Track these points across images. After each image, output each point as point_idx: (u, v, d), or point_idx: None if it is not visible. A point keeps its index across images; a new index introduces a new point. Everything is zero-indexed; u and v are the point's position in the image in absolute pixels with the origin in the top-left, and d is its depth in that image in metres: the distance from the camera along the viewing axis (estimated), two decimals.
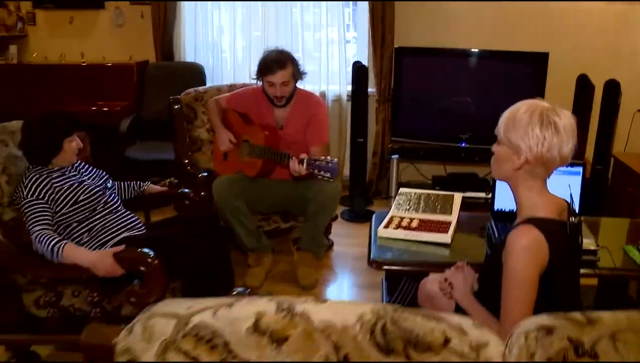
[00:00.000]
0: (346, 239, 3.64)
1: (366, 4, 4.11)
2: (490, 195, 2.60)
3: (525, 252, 1.43)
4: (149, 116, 4.39)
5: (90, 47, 4.67)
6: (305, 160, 2.58)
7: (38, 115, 2.41)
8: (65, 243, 2.12)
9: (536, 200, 1.53)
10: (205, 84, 4.29)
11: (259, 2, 4.32)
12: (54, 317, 2.23)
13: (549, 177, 1.57)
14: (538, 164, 1.51)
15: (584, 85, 3.47)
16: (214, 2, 4.39)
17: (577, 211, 1.56)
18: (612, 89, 3.13)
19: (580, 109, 3.48)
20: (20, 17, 4.76)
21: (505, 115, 1.57)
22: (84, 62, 4.60)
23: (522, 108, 1.53)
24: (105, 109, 4.30)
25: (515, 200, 1.59)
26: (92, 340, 0.94)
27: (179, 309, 0.91)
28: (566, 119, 1.51)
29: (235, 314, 0.86)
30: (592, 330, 0.81)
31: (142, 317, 0.92)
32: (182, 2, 4.39)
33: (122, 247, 2.18)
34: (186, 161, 3.38)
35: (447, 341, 0.80)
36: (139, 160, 4.03)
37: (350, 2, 4.35)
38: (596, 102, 3.35)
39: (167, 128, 4.14)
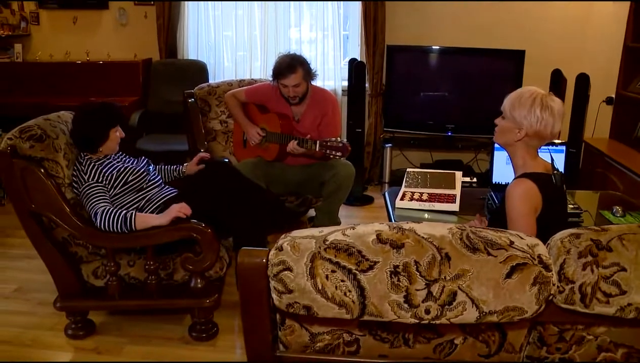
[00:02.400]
0: (348, 220, 3.99)
1: (358, 5, 4.47)
2: (474, 179, 3.14)
3: (522, 196, 1.85)
4: (156, 110, 4.66)
5: (94, 46, 4.89)
6: (317, 142, 2.95)
7: (88, 107, 2.68)
8: (134, 212, 2.42)
9: (529, 162, 1.96)
10: (208, 81, 4.59)
11: (258, 2, 4.63)
12: (112, 284, 2.52)
13: (539, 148, 1.99)
14: (534, 137, 1.94)
15: (557, 78, 3.92)
16: (215, 2, 4.68)
17: (557, 168, 1.98)
18: (583, 81, 3.58)
19: (562, 106, 3.93)
20: (23, 16, 4.95)
21: (512, 95, 1.98)
22: (89, 59, 4.82)
23: (526, 92, 1.95)
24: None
25: (512, 164, 2.02)
26: (247, 260, 1.26)
27: (313, 232, 1.25)
28: (559, 105, 1.95)
29: (359, 232, 1.21)
30: (606, 234, 1.20)
31: (284, 240, 1.25)
32: (184, 3, 4.66)
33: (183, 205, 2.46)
34: (202, 150, 3.67)
35: (512, 242, 1.18)
36: (149, 151, 4.28)
37: (343, 3, 4.71)
38: (569, 94, 3.81)
39: (174, 121, 4.45)
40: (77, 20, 4.91)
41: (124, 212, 2.40)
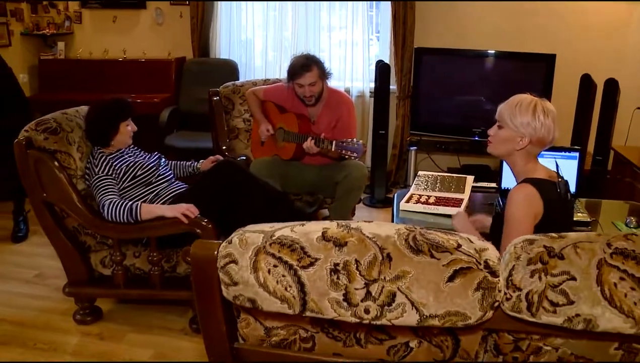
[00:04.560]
0: None
1: (389, 6, 4.44)
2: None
3: (522, 202, 1.79)
4: (186, 108, 4.78)
5: (131, 44, 5.06)
6: (333, 142, 2.95)
7: (100, 102, 2.77)
8: (141, 202, 2.49)
9: (531, 168, 1.90)
10: (238, 79, 4.66)
11: (290, 4, 4.68)
12: (118, 274, 2.60)
13: (539, 155, 1.93)
14: (537, 144, 1.88)
15: (587, 83, 3.77)
16: (247, 2, 4.75)
17: (562, 176, 1.91)
18: (611, 87, 3.43)
19: (583, 106, 3.79)
20: (68, 16, 5.16)
21: (510, 104, 1.92)
22: (125, 57, 4.98)
23: (524, 99, 1.90)
24: (146, 100, 4.67)
25: (513, 172, 1.95)
26: (199, 251, 1.29)
27: (264, 227, 1.26)
28: (554, 110, 1.90)
29: (307, 229, 1.21)
30: (561, 241, 1.15)
31: (236, 233, 1.26)
32: (218, 3, 4.75)
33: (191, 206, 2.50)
34: (224, 147, 3.73)
35: (459, 246, 1.15)
36: (177, 148, 4.40)
37: (374, 5, 4.69)
38: (597, 99, 3.66)
39: (203, 119, 4.52)
40: (116, 19, 5.09)
41: (130, 203, 2.47)
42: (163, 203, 2.68)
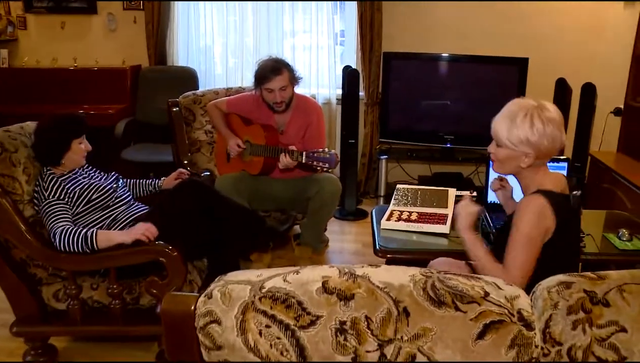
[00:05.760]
0: (340, 236, 3.80)
1: (354, 9, 4.28)
2: (474, 193, 2.84)
3: (533, 213, 1.63)
4: (144, 119, 4.50)
5: (82, 52, 4.74)
6: (303, 154, 2.75)
7: (50, 117, 2.51)
8: (95, 230, 2.24)
9: (541, 179, 1.73)
10: (198, 88, 4.42)
11: (250, 8, 4.45)
12: (73, 308, 2.33)
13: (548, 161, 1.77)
14: (543, 157, 1.71)
15: (562, 88, 3.70)
16: (206, 6, 4.50)
17: (578, 187, 1.75)
18: (589, 91, 3.36)
19: (559, 111, 3.71)
20: (10, 21, 4.80)
21: (502, 118, 1.73)
22: (76, 66, 4.67)
23: (518, 110, 1.70)
24: (100, 112, 4.37)
25: (521, 186, 1.78)
26: (172, 307, 1.07)
27: (250, 276, 1.05)
28: (555, 111, 1.72)
29: (303, 278, 1.01)
30: (603, 284, 0.99)
31: (216, 285, 1.05)
32: (175, 7, 4.49)
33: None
34: (186, 161, 3.49)
35: (486, 294, 0.97)
36: (134, 161, 4.13)
37: (338, 8, 4.52)
38: (574, 104, 3.58)
39: (162, 130, 4.26)
40: (65, 25, 4.76)
41: (84, 230, 2.22)
42: (122, 228, 2.44)
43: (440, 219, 2.46)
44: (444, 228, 2.39)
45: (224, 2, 4.49)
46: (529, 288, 1.16)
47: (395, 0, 4.25)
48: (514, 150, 1.70)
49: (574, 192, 1.73)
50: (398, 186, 2.84)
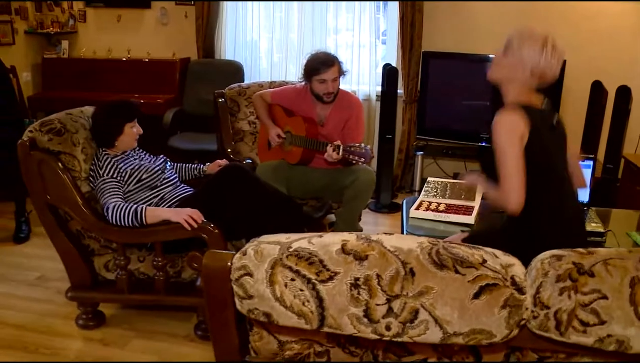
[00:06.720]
0: (374, 227, 3.93)
1: (396, 8, 4.39)
2: None
3: (504, 126, 1.79)
4: (191, 109, 4.73)
5: (136, 44, 5.02)
6: (340, 147, 2.90)
7: (105, 103, 2.74)
8: (145, 206, 2.44)
9: (524, 98, 1.88)
10: (243, 81, 4.61)
11: (296, 5, 4.63)
12: (121, 278, 2.55)
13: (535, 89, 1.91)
14: (537, 77, 1.85)
15: (597, 90, 3.73)
16: (253, 3, 4.70)
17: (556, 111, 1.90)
18: (624, 94, 3.39)
19: (594, 113, 3.75)
20: (72, 14, 5.12)
21: (521, 30, 1.88)
22: (129, 57, 4.94)
23: (536, 30, 1.86)
24: (149, 101, 4.62)
25: (504, 102, 1.94)
26: (212, 262, 1.24)
27: (280, 238, 1.21)
28: (563, 51, 1.86)
29: (325, 241, 1.16)
30: (591, 257, 1.11)
31: (250, 244, 1.22)
32: (224, 3, 4.70)
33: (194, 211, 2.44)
34: (229, 150, 3.68)
35: (484, 261, 1.10)
36: (180, 149, 4.35)
37: (381, 8, 4.64)
38: (609, 107, 3.61)
39: (207, 121, 4.49)
40: (121, 18, 5.04)
41: (135, 206, 2.42)
42: (168, 206, 2.63)
43: (467, 211, 2.57)
44: (470, 219, 2.50)
45: (271, 2, 4.67)
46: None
47: (435, 0, 4.34)
48: (517, 61, 1.84)
49: (544, 104, 1.88)
50: (429, 179, 2.96)
